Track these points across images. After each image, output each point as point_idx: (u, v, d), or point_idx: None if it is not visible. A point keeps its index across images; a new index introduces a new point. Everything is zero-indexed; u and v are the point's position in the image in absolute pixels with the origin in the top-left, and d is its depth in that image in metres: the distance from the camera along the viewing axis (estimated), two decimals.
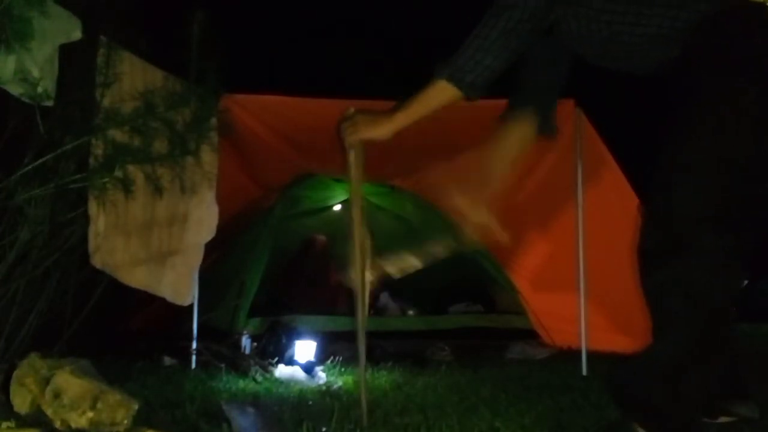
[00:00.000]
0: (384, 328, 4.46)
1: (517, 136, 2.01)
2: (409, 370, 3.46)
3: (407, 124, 1.97)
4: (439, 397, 2.67)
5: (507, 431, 2.01)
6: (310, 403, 2.47)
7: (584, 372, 3.52)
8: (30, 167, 2.30)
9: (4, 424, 1.75)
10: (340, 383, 3.00)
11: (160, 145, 2.70)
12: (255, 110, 3.70)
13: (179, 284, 3.30)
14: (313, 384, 3.04)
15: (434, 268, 2.19)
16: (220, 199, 3.42)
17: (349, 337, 2.86)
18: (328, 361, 3.57)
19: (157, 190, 2.81)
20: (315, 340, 3.58)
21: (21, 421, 1.80)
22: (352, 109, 2.08)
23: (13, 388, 1.87)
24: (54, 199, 2.45)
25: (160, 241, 3.19)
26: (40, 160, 2.33)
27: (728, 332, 1.73)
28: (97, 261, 2.81)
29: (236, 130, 3.52)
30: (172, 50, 3.00)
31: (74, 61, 2.54)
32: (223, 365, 3.28)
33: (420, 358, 3.87)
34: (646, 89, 2.00)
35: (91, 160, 2.56)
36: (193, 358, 3.41)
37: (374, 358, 3.59)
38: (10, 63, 2.21)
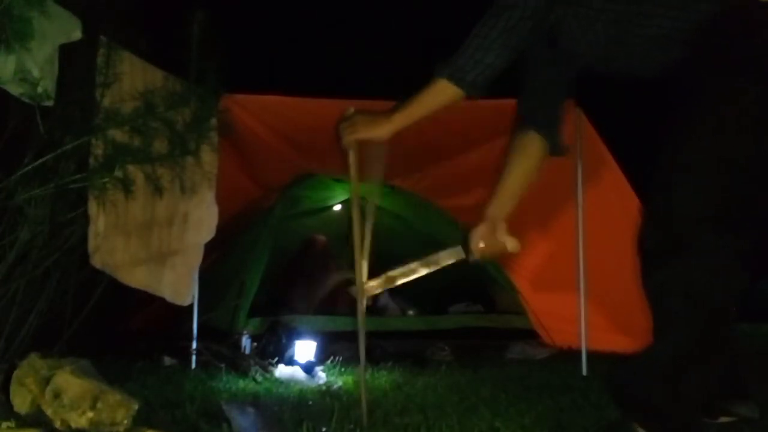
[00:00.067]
0: (384, 328, 4.46)
1: (532, 162, 2.01)
2: (409, 370, 3.46)
3: (407, 125, 1.97)
4: (439, 397, 2.67)
5: (507, 431, 2.01)
6: (310, 403, 2.47)
7: (584, 372, 3.52)
8: (30, 167, 2.30)
9: (4, 424, 1.75)
10: (340, 383, 3.00)
11: (160, 145, 2.70)
12: (255, 110, 3.70)
13: (179, 284, 3.30)
14: (313, 384, 3.04)
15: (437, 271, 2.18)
16: (220, 199, 3.42)
17: (349, 337, 2.87)
18: (328, 361, 3.57)
19: (157, 190, 2.81)
20: (315, 340, 3.58)
21: (21, 421, 1.80)
22: (351, 109, 2.07)
23: (13, 388, 1.87)
24: (54, 199, 2.45)
25: (160, 241, 3.19)
26: (40, 160, 2.33)
27: (728, 332, 1.73)
28: (97, 261, 2.81)
29: (236, 130, 3.52)
30: (172, 50, 3.00)
31: (74, 61, 2.54)
32: (223, 365, 3.28)
33: (420, 358, 3.87)
34: (646, 89, 1.99)
35: (91, 160, 2.56)
36: (193, 358, 3.41)
37: (374, 358, 3.59)
38: (10, 63, 2.21)
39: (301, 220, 5.42)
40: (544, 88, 2.02)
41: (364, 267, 2.12)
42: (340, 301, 4.85)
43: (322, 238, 5.21)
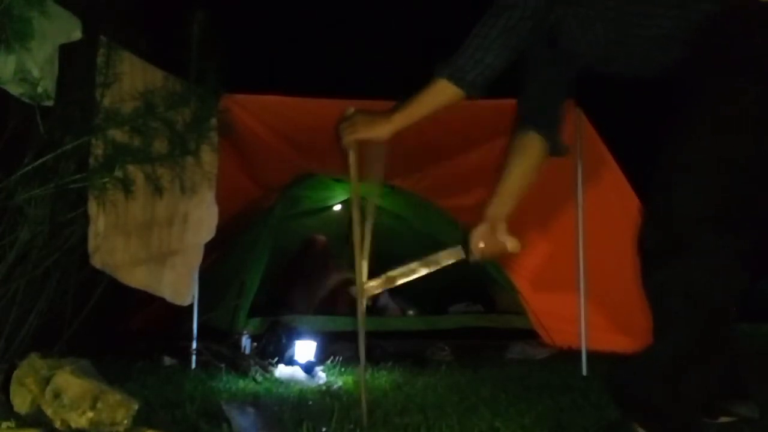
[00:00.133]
0: (384, 328, 4.45)
1: (532, 162, 2.01)
2: (409, 370, 3.46)
3: (407, 125, 1.97)
4: (439, 397, 2.67)
5: (507, 431, 2.01)
6: (310, 403, 2.47)
7: (584, 372, 3.52)
8: (30, 167, 2.30)
9: (4, 424, 1.75)
10: (340, 383, 3.00)
11: (160, 145, 2.70)
12: (255, 110, 3.70)
13: (179, 284, 3.30)
14: (313, 384, 3.04)
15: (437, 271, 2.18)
16: (220, 199, 3.42)
17: (349, 337, 2.87)
18: (328, 361, 3.57)
19: (157, 190, 2.81)
20: (315, 340, 3.58)
21: (21, 421, 1.80)
22: (351, 109, 2.07)
23: (13, 388, 1.87)
24: (54, 199, 2.45)
25: (160, 241, 3.19)
26: (40, 160, 2.33)
27: (728, 332, 1.73)
28: (96, 261, 2.81)
29: (236, 130, 3.52)
30: (172, 50, 3.00)
31: (74, 61, 2.54)
32: (223, 365, 3.28)
33: (420, 358, 3.87)
34: (647, 89, 2.00)
35: (91, 160, 2.56)
36: (193, 358, 3.41)
37: (374, 358, 3.59)
38: (10, 63, 2.21)
39: (301, 220, 5.42)
40: (544, 88, 2.02)
41: (364, 267, 2.12)
42: (340, 301, 4.85)
43: (322, 238, 5.21)
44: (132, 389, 2.35)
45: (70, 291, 2.72)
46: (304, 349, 3.51)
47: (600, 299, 3.92)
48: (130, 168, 2.64)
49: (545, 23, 1.83)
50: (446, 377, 3.25)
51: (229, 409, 2.00)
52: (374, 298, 4.93)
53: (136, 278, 3.07)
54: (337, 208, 5.59)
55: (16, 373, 1.88)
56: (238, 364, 3.30)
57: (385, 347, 3.90)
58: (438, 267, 2.08)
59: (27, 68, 2.26)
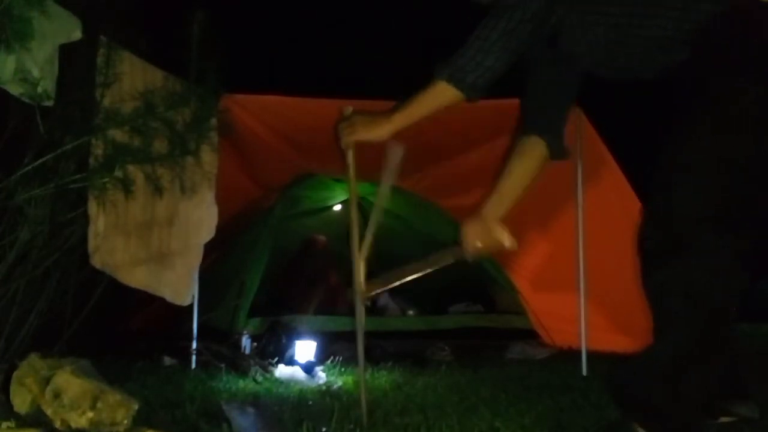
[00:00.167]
0: (384, 328, 4.46)
1: (533, 164, 2.01)
2: (409, 370, 3.46)
3: (406, 126, 1.97)
4: (439, 397, 2.67)
5: (507, 431, 2.01)
6: (310, 403, 2.47)
7: (584, 372, 3.52)
8: (30, 167, 2.30)
9: (4, 424, 1.75)
10: (340, 383, 3.00)
11: (160, 145, 2.69)
12: (255, 110, 3.70)
13: (179, 284, 3.30)
14: (313, 384, 3.04)
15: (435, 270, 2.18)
16: (220, 199, 3.42)
17: (349, 337, 2.87)
18: (328, 361, 3.57)
19: (157, 190, 2.81)
20: (315, 340, 3.58)
21: (21, 421, 1.80)
22: (350, 109, 2.08)
23: (13, 388, 1.87)
24: (54, 199, 2.45)
25: (160, 241, 3.19)
26: (40, 160, 2.32)
27: (728, 332, 1.73)
28: (96, 261, 2.81)
29: (236, 130, 3.52)
30: (172, 50, 3.00)
31: (74, 61, 2.54)
32: (223, 365, 3.28)
33: (420, 358, 3.87)
34: (647, 89, 2.00)
35: (91, 160, 2.56)
36: (193, 358, 3.40)
37: (374, 358, 3.59)
38: (10, 63, 2.21)
39: (301, 220, 5.43)
40: (545, 90, 2.02)
41: (362, 267, 2.12)
42: (340, 301, 4.85)
43: (322, 238, 5.21)
44: (132, 389, 2.35)
45: (70, 291, 2.72)
46: (304, 349, 3.51)
47: (600, 299, 3.92)
48: (130, 168, 2.64)
49: (546, 25, 1.83)
50: (446, 377, 3.25)
51: (229, 409, 2.00)
52: (374, 298, 4.94)
53: (136, 278, 3.07)
54: (337, 208, 5.59)
55: (16, 373, 1.88)
56: (238, 364, 3.30)
57: (385, 347, 3.90)
58: (438, 266, 2.08)
59: (27, 68, 2.26)
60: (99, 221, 2.79)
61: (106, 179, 2.53)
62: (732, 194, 1.66)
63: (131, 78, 2.89)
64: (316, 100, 3.63)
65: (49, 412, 1.78)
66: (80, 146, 2.47)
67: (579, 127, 3.60)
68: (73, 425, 1.75)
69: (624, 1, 1.78)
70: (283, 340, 3.61)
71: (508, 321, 5.06)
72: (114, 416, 1.77)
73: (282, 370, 3.31)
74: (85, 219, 2.71)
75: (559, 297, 4.46)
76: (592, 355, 3.62)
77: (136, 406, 1.82)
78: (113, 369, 2.63)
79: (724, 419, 1.96)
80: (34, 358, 1.90)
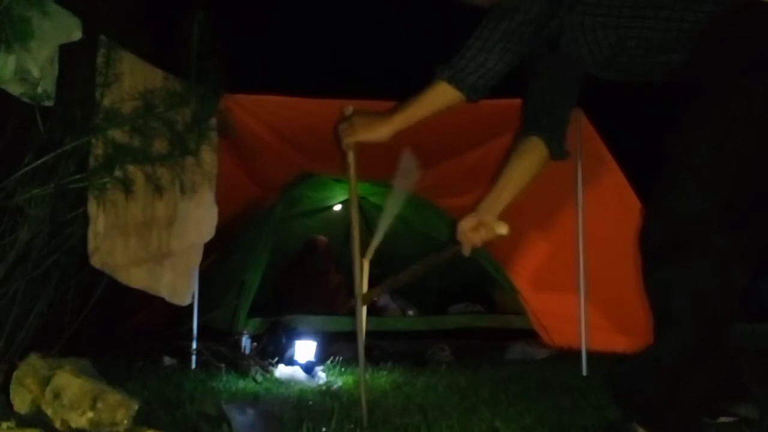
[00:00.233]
0: (384, 328, 4.45)
1: (533, 164, 2.02)
2: (409, 370, 3.46)
3: (406, 126, 1.97)
4: (439, 397, 2.67)
5: (507, 431, 2.00)
6: (310, 403, 2.47)
7: (584, 372, 3.52)
8: (30, 167, 2.30)
9: (4, 424, 1.75)
10: (340, 383, 3.00)
11: (160, 145, 2.69)
12: (255, 110, 3.70)
13: (178, 284, 3.30)
14: (313, 384, 3.04)
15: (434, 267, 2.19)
16: (220, 199, 3.42)
17: (349, 337, 2.87)
18: (328, 361, 3.57)
19: (157, 190, 2.81)
20: (315, 340, 3.58)
21: (21, 421, 1.80)
22: (350, 109, 2.08)
23: (13, 388, 1.87)
24: (54, 199, 2.45)
25: (159, 241, 3.19)
26: (40, 160, 2.32)
27: (730, 332, 1.73)
28: (96, 261, 2.81)
29: (236, 130, 3.52)
30: (172, 50, 3.00)
31: (74, 61, 2.53)
32: (223, 365, 3.27)
33: (420, 358, 3.87)
34: (647, 89, 2.00)
35: (91, 160, 2.56)
36: (193, 358, 3.40)
37: (374, 358, 3.59)
38: (10, 63, 2.21)
39: (301, 220, 5.43)
40: (547, 91, 2.02)
41: (366, 269, 2.12)
42: (340, 301, 4.86)
43: (323, 239, 5.21)
44: (132, 389, 2.35)
45: (70, 291, 2.72)
46: (304, 349, 3.51)
47: (600, 299, 3.92)
48: (130, 168, 2.64)
49: (547, 27, 1.83)
50: (446, 377, 3.25)
51: (229, 409, 2.00)
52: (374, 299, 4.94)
53: (136, 278, 3.07)
54: (337, 208, 5.59)
55: (16, 373, 1.88)
56: (238, 364, 3.29)
57: (385, 347, 3.90)
58: (437, 262, 2.08)
59: (27, 68, 2.25)
60: (99, 221, 2.79)
61: (106, 179, 2.53)
62: (736, 194, 1.66)
63: (131, 78, 2.89)
64: (316, 100, 3.63)
65: (49, 412, 1.78)
66: (80, 146, 2.47)
67: (579, 127, 3.60)
68: (73, 425, 1.75)
69: (625, 3, 1.78)
70: (283, 340, 3.61)
71: (508, 321, 5.05)
72: (114, 416, 1.77)
73: (282, 370, 3.30)
74: (85, 219, 2.71)
75: (559, 297, 4.46)
76: (592, 355, 3.62)
77: (136, 406, 1.82)
78: (113, 369, 2.63)
79: (724, 419, 1.96)
80: (34, 358, 1.90)
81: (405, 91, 1.97)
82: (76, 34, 2.45)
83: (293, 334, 3.66)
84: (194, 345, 3.43)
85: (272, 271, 4.72)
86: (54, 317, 2.66)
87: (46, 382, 1.81)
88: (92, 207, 2.72)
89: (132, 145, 2.59)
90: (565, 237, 3.94)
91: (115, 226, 2.89)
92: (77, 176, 2.45)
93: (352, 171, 2.14)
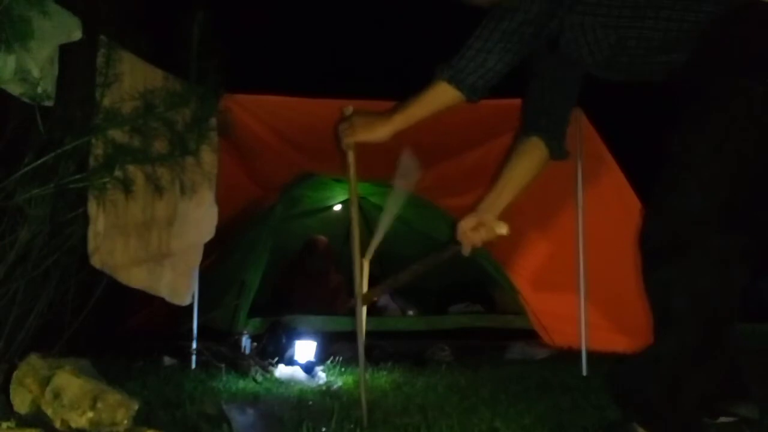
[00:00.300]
0: (384, 328, 4.45)
1: (533, 164, 2.02)
2: (409, 370, 3.46)
3: (406, 126, 1.97)
4: (439, 397, 2.67)
5: (507, 431, 2.00)
6: (310, 403, 2.47)
7: (584, 372, 3.52)
8: (30, 167, 2.30)
9: (4, 424, 1.75)
10: (340, 383, 3.00)
11: (160, 145, 2.69)
12: (255, 110, 3.70)
13: (178, 284, 3.30)
14: (313, 384, 3.04)
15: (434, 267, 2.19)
16: (220, 199, 3.42)
17: (349, 337, 2.87)
18: (328, 361, 3.57)
19: (157, 190, 2.81)
20: (315, 340, 3.58)
21: (21, 421, 1.80)
22: (350, 108, 2.08)
23: (13, 388, 1.87)
24: (54, 199, 2.45)
25: (159, 241, 3.19)
26: (40, 160, 2.32)
27: (730, 332, 1.73)
28: (96, 261, 2.81)
29: (236, 130, 3.52)
30: (172, 50, 3.00)
31: (74, 61, 2.54)
32: (223, 365, 3.27)
33: (420, 358, 3.87)
34: (647, 89, 2.00)
35: (91, 160, 2.56)
36: (193, 358, 3.40)
37: (374, 358, 3.59)
38: (10, 63, 2.21)
39: (301, 220, 5.43)
40: (547, 92, 2.02)
41: (366, 269, 2.12)
42: (341, 301, 4.86)
43: (323, 239, 5.21)
44: (132, 389, 2.35)
45: (70, 291, 2.72)
46: (304, 349, 3.51)
47: (600, 299, 3.92)
48: (130, 168, 2.64)
49: (547, 27, 1.83)
50: (446, 377, 3.25)
51: (229, 410, 2.00)
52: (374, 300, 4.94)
53: (136, 278, 3.07)
54: (337, 208, 5.59)
55: (16, 373, 1.88)
56: (238, 364, 3.29)
57: (385, 347, 3.90)
58: (436, 262, 2.09)
59: (27, 68, 2.26)
60: (99, 221, 2.79)
61: (106, 179, 2.53)
62: (738, 194, 1.66)
63: (131, 78, 2.89)
64: (316, 100, 3.63)
65: (49, 412, 1.78)
66: (80, 146, 2.47)
67: (579, 127, 3.60)
68: (73, 425, 1.75)
69: (625, 3, 1.78)
70: (283, 340, 3.61)
71: (508, 321, 5.05)
72: (114, 416, 1.77)
73: (282, 370, 3.30)
74: (85, 219, 2.71)
75: (559, 297, 4.46)
76: (592, 355, 3.62)
77: (136, 406, 1.82)
78: (113, 369, 2.63)
79: (724, 419, 1.96)
80: (34, 358, 1.90)
81: (405, 91, 1.97)
82: (76, 34, 2.45)
83: (293, 334, 3.66)
84: (194, 345, 3.43)
85: (272, 271, 4.72)
86: (54, 317, 2.66)
87: (46, 382, 1.81)
88: (92, 207, 2.72)
89: (132, 145, 2.59)
90: (565, 237, 3.93)
91: (115, 226, 2.89)
92: (77, 176, 2.45)
93: (352, 171, 2.14)
